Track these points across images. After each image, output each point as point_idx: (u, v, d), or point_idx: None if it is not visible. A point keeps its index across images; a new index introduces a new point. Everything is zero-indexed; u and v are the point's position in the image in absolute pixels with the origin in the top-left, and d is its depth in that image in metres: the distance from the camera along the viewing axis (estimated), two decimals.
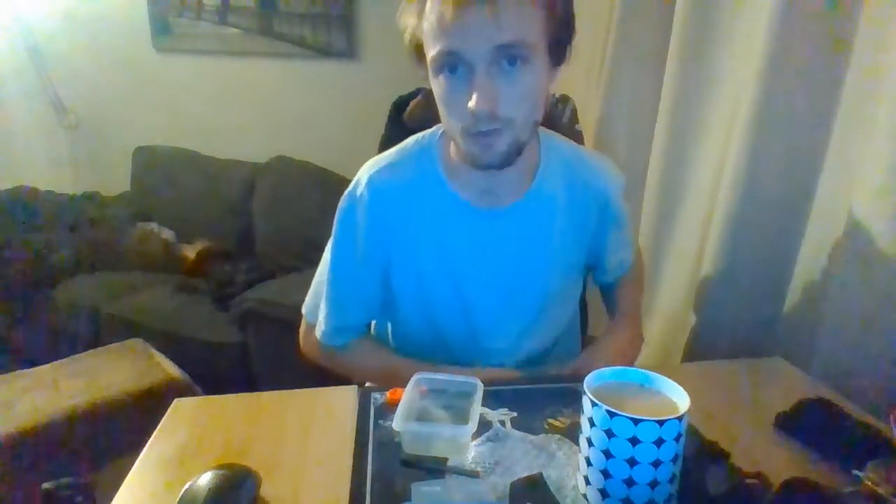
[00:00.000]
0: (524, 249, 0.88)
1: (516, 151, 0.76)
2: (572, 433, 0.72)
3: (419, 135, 0.90)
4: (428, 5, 0.71)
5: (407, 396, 0.72)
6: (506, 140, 0.74)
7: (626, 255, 1.03)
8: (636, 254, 1.09)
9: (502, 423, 0.75)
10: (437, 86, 0.75)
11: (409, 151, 0.89)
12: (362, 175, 0.88)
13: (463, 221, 0.87)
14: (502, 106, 0.71)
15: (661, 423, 0.55)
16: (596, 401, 0.58)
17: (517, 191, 0.86)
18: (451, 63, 0.71)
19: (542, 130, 0.91)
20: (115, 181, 2.75)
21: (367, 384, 1.04)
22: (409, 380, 0.75)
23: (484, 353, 0.91)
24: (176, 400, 0.83)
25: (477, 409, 0.70)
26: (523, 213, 0.87)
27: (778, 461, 0.69)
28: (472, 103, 0.70)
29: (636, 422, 0.55)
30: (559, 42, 0.75)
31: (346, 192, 0.89)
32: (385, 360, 0.94)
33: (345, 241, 0.89)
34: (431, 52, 0.72)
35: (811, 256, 1.04)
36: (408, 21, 0.74)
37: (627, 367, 0.66)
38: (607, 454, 0.58)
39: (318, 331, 0.92)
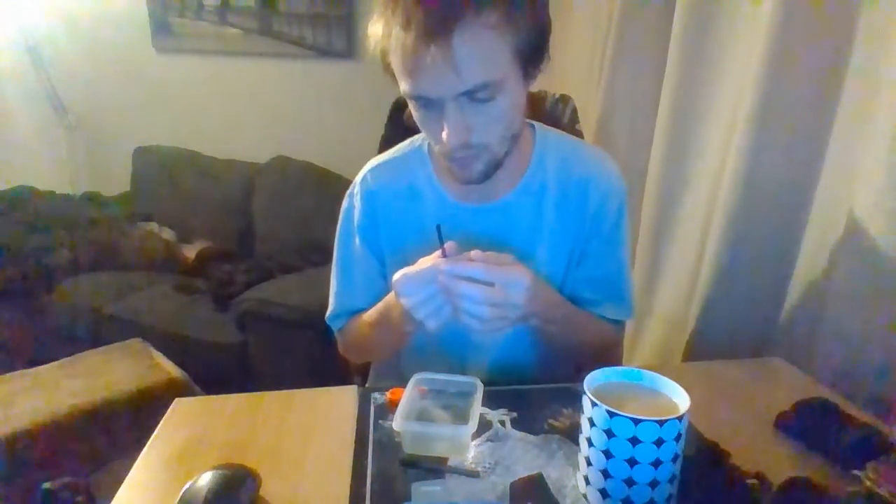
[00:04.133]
0: (514, 243, 0.89)
1: (495, 167, 0.79)
2: (572, 433, 0.71)
3: (415, 136, 0.93)
4: (392, 38, 0.69)
5: (407, 396, 0.72)
6: (483, 161, 0.77)
7: (608, 280, 0.92)
8: (621, 314, 0.94)
9: (502, 423, 0.75)
10: (411, 109, 0.77)
11: (402, 151, 0.93)
12: (360, 174, 0.94)
13: (451, 218, 0.88)
14: (475, 135, 0.73)
15: (661, 423, 0.55)
16: (596, 401, 0.58)
17: (506, 186, 0.87)
18: (420, 101, 0.73)
19: (541, 126, 0.91)
20: (115, 181, 2.76)
21: (369, 383, 1.05)
22: (396, 321, 0.78)
23: (473, 349, 0.91)
24: (176, 400, 0.83)
25: (477, 409, 0.70)
26: (512, 208, 0.88)
27: (778, 461, 0.68)
28: (444, 136, 0.72)
29: (636, 422, 0.55)
30: (531, 58, 0.72)
31: (347, 191, 0.95)
32: (367, 317, 0.92)
33: (345, 237, 0.96)
34: (400, 83, 0.72)
35: (811, 256, 1.04)
36: (376, 36, 0.72)
37: (627, 367, 0.66)
38: (607, 454, 0.58)
39: (328, 316, 0.98)
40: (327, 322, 0.99)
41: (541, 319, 0.81)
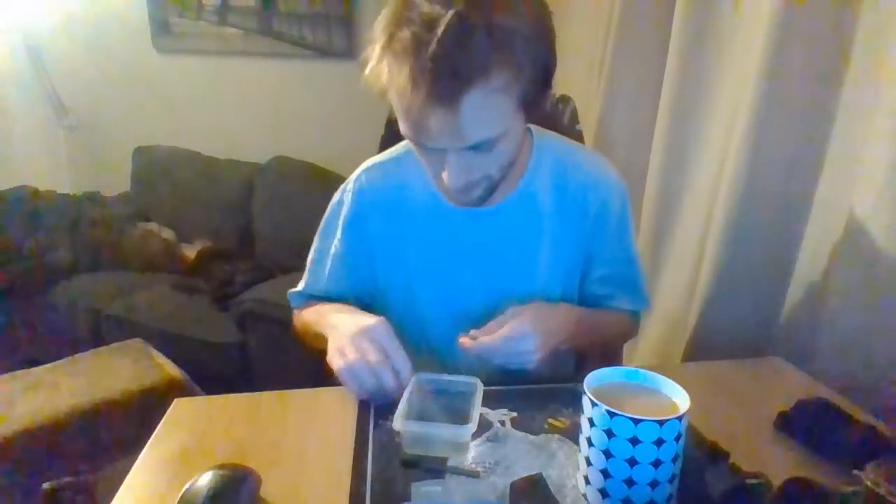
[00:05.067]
0: (509, 249, 0.89)
1: (492, 191, 0.80)
2: (572, 433, 0.72)
3: None
4: (395, 89, 0.66)
5: (407, 396, 0.72)
6: (481, 188, 0.78)
7: (622, 276, 0.94)
8: (638, 304, 0.98)
9: (502, 423, 0.75)
10: (410, 144, 0.78)
11: (398, 153, 0.93)
12: (355, 172, 0.94)
13: (446, 221, 0.89)
14: (475, 174, 0.74)
15: (661, 423, 0.55)
16: (596, 401, 0.58)
17: (502, 191, 0.86)
18: (420, 146, 0.74)
19: (538, 130, 0.91)
20: (115, 181, 2.75)
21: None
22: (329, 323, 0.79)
23: (466, 351, 0.90)
24: (176, 400, 0.83)
25: (477, 409, 0.70)
26: (508, 212, 0.88)
27: (778, 461, 0.69)
28: (445, 177, 0.73)
29: (636, 422, 0.55)
30: (535, 100, 0.72)
31: (341, 186, 0.97)
32: (317, 310, 0.93)
33: (328, 228, 0.97)
34: (400, 123, 0.72)
35: (811, 256, 1.04)
36: (375, 74, 0.68)
37: (627, 367, 0.66)
38: (607, 454, 0.58)
39: (290, 292, 1.00)
40: (288, 297, 1.00)
41: (567, 344, 0.85)
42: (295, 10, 2.67)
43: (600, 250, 0.93)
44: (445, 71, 0.62)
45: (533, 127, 0.91)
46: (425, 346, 0.92)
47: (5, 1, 2.55)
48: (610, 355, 1.10)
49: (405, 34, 0.63)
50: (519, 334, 0.75)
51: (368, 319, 0.78)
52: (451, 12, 0.61)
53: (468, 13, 0.61)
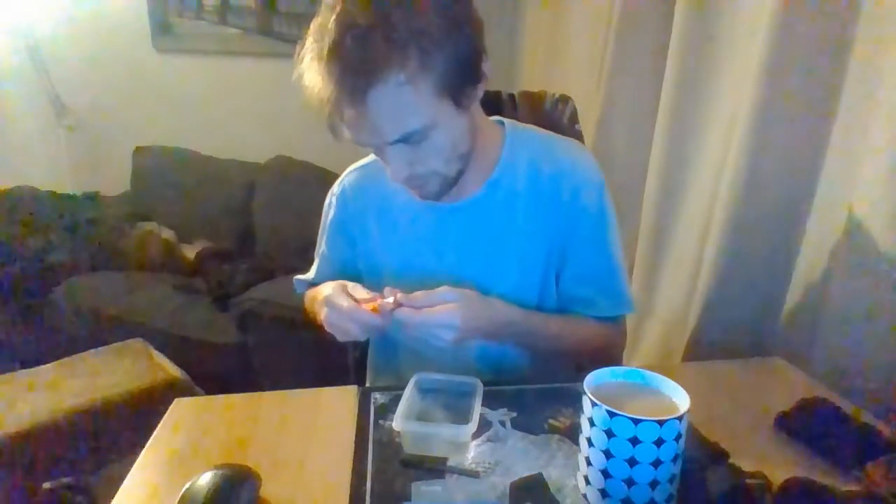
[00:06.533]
0: (482, 242, 0.89)
1: (450, 186, 0.81)
2: (572, 433, 0.72)
3: None
4: (320, 92, 0.70)
5: (407, 396, 0.72)
6: (435, 183, 0.80)
7: (600, 276, 0.90)
8: (619, 309, 0.93)
9: (502, 423, 0.75)
10: None
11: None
12: (340, 177, 1.00)
13: (423, 219, 0.90)
14: (418, 167, 0.76)
15: (661, 423, 0.55)
16: (596, 401, 0.58)
17: (474, 185, 0.87)
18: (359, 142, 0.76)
19: (512, 123, 0.92)
20: (115, 181, 2.75)
21: (368, 383, 1.05)
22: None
23: (441, 349, 0.89)
24: (176, 400, 0.83)
25: (477, 409, 0.70)
26: (479, 207, 0.88)
27: (778, 461, 0.68)
28: (388, 172, 0.76)
29: (636, 422, 0.55)
30: (461, 89, 0.72)
31: (331, 188, 1.01)
32: (313, 292, 0.97)
33: (322, 228, 1.03)
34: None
35: (811, 256, 1.04)
36: (309, 83, 0.72)
37: (627, 367, 0.66)
38: (607, 454, 0.58)
39: (295, 278, 1.07)
40: (295, 282, 1.07)
41: (491, 339, 0.84)
42: (295, 10, 2.67)
43: (575, 244, 0.89)
44: (341, 73, 0.66)
45: (507, 120, 0.91)
46: (409, 344, 0.92)
47: (5, 1, 2.55)
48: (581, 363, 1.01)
49: (311, 44, 0.70)
50: (446, 323, 0.74)
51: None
52: (336, 18, 0.65)
53: (355, 18, 0.65)
